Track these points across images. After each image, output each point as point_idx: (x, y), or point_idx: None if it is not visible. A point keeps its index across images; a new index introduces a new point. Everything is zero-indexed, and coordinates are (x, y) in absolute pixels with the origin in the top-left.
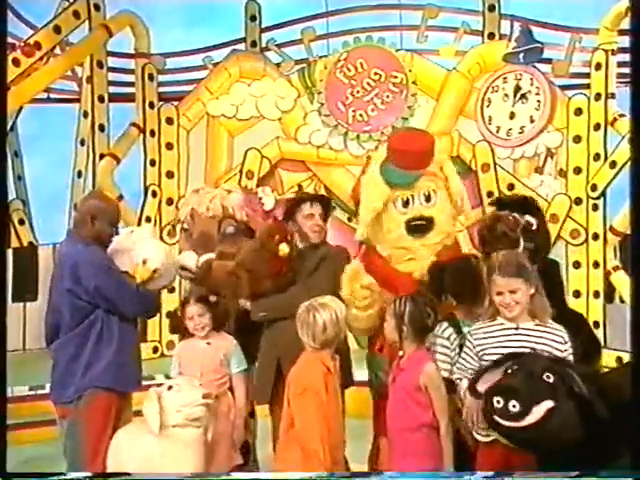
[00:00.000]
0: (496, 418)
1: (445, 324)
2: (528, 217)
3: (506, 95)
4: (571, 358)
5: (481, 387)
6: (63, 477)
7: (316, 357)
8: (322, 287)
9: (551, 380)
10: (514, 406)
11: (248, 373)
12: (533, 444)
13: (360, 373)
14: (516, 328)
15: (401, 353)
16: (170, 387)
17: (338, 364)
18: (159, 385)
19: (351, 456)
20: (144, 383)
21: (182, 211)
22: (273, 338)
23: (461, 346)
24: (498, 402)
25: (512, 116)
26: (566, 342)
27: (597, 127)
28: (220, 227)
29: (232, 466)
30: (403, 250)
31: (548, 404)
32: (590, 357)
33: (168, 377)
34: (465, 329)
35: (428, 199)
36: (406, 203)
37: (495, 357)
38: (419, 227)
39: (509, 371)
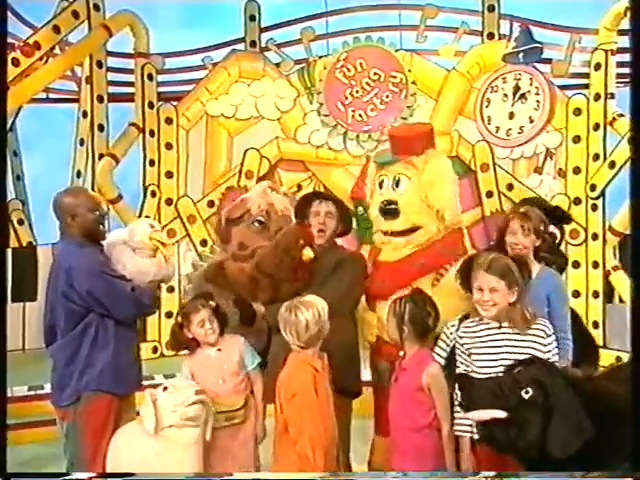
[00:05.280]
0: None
1: (457, 320)
2: (553, 228)
3: (505, 95)
4: (555, 351)
5: None
6: (63, 478)
7: (303, 359)
8: (338, 293)
9: (527, 395)
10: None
11: (261, 367)
12: (488, 442)
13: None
14: (499, 327)
15: (402, 353)
16: (165, 388)
17: (326, 362)
18: (155, 387)
19: (352, 456)
20: (144, 383)
21: (253, 205)
22: (284, 342)
23: (455, 340)
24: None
25: (511, 116)
26: (549, 335)
27: (596, 127)
28: None
29: (257, 466)
30: (380, 234)
31: (497, 414)
32: (588, 358)
33: (168, 377)
34: None
35: (397, 184)
36: (380, 185)
37: (481, 356)
38: (389, 211)
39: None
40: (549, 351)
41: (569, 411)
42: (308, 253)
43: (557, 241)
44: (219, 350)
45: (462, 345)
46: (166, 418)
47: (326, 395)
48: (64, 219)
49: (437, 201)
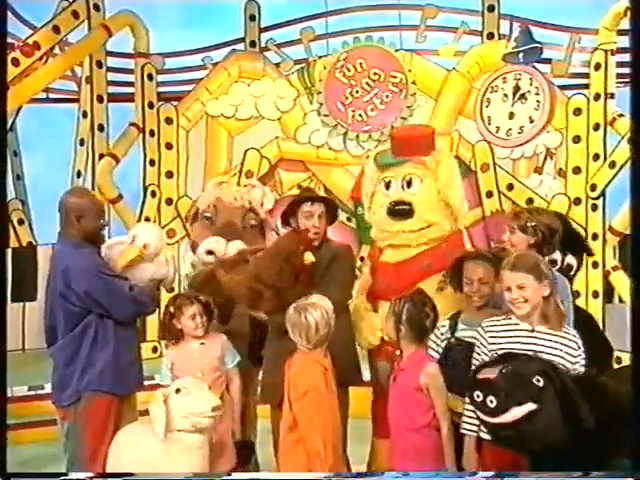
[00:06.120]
0: (477, 412)
1: (446, 320)
2: (571, 259)
3: (505, 95)
4: (583, 363)
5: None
6: (63, 477)
7: (312, 358)
8: (335, 292)
9: (540, 384)
10: (491, 402)
11: (240, 367)
12: (514, 443)
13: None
14: (531, 330)
15: (398, 352)
16: (178, 390)
17: (330, 360)
18: (155, 387)
19: (352, 456)
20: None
21: (203, 201)
22: (285, 344)
23: (449, 340)
24: (478, 396)
25: (511, 116)
26: (579, 348)
27: (596, 127)
28: (244, 218)
29: (233, 465)
30: (386, 233)
31: (530, 407)
32: (602, 361)
33: None
34: (465, 331)
35: (409, 185)
36: (388, 185)
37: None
38: (400, 211)
39: (503, 370)
40: (577, 362)
41: (574, 394)
42: (309, 257)
43: (572, 272)
44: (202, 344)
45: (488, 345)
46: (177, 422)
47: (333, 393)
48: (69, 219)
49: (454, 200)
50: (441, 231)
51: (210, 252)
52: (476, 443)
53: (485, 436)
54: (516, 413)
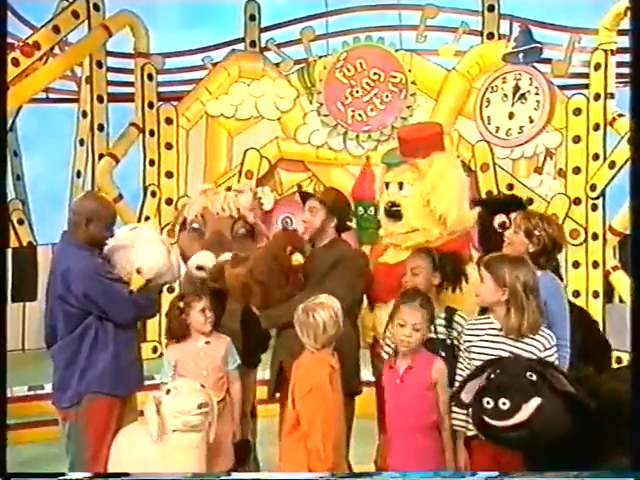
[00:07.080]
0: (486, 420)
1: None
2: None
3: (505, 95)
4: (554, 362)
5: (465, 396)
6: (62, 477)
7: (319, 357)
8: (337, 291)
9: (534, 378)
10: (504, 404)
11: (241, 369)
12: (521, 443)
13: (363, 373)
14: (500, 329)
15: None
16: (168, 391)
17: (338, 361)
18: (157, 387)
19: (355, 457)
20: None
21: (191, 210)
22: (281, 342)
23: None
24: (488, 403)
25: (511, 116)
26: (550, 347)
27: (596, 127)
28: (233, 228)
29: (230, 465)
30: (386, 232)
31: (537, 401)
32: (599, 359)
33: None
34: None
35: (401, 187)
36: (387, 185)
37: (479, 355)
38: (392, 213)
39: (492, 376)
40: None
41: (566, 382)
42: (297, 258)
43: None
44: (207, 343)
45: (464, 342)
46: (169, 423)
47: (338, 393)
48: (79, 221)
49: (439, 206)
50: (427, 236)
51: (200, 267)
52: (467, 442)
53: (471, 433)
54: (527, 410)
